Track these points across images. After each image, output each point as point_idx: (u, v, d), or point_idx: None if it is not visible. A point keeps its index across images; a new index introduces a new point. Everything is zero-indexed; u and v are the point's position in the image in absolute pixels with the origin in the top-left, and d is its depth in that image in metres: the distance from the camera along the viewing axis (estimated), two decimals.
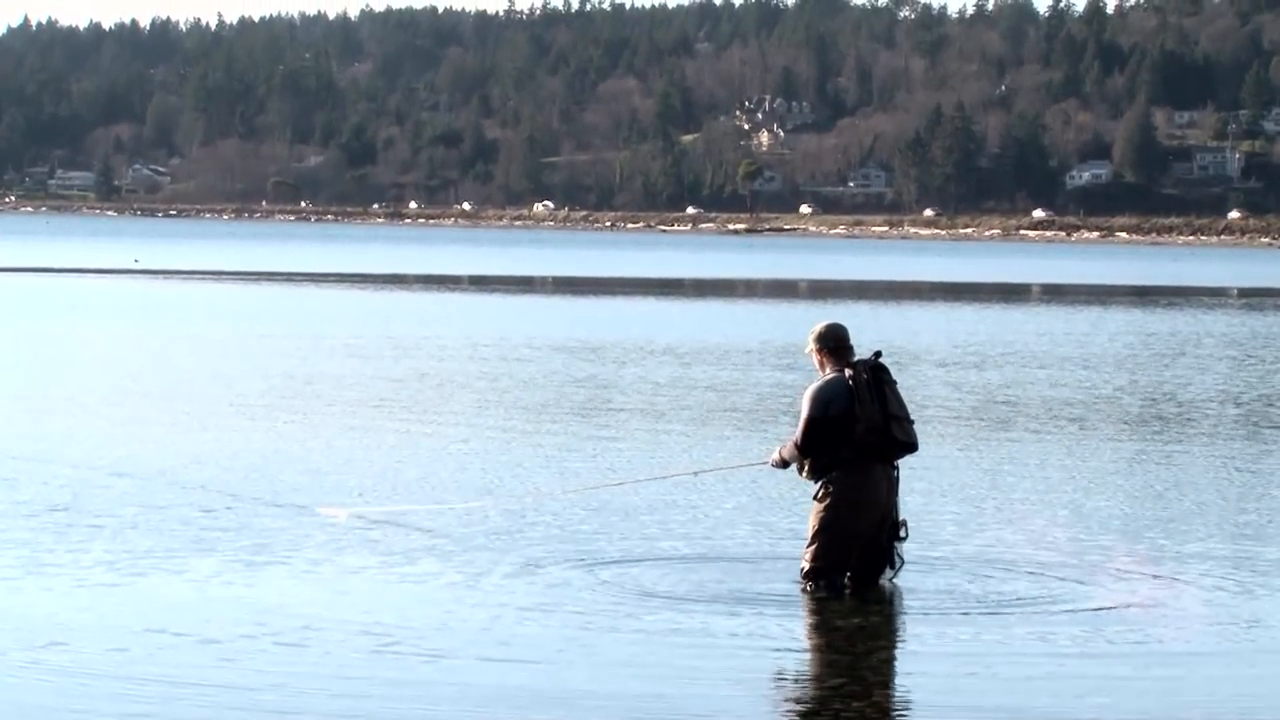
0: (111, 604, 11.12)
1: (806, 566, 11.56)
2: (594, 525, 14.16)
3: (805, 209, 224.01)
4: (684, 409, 23.58)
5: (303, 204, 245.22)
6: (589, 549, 13.12)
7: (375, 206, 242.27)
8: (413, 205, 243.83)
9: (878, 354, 11.75)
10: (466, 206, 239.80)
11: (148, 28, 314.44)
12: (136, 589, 11.58)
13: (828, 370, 11.56)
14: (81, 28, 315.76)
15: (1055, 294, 67.79)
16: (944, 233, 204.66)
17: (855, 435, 11.33)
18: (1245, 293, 72.35)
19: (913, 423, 11.60)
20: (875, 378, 11.45)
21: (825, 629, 10.82)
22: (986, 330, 42.82)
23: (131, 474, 16.63)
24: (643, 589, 11.74)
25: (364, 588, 11.68)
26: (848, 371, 11.45)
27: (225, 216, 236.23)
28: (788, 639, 10.55)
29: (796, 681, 9.72)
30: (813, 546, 11.53)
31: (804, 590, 11.50)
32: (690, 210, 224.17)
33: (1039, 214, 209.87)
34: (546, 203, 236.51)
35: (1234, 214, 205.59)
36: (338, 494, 15.62)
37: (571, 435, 20.49)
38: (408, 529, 13.84)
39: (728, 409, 23.75)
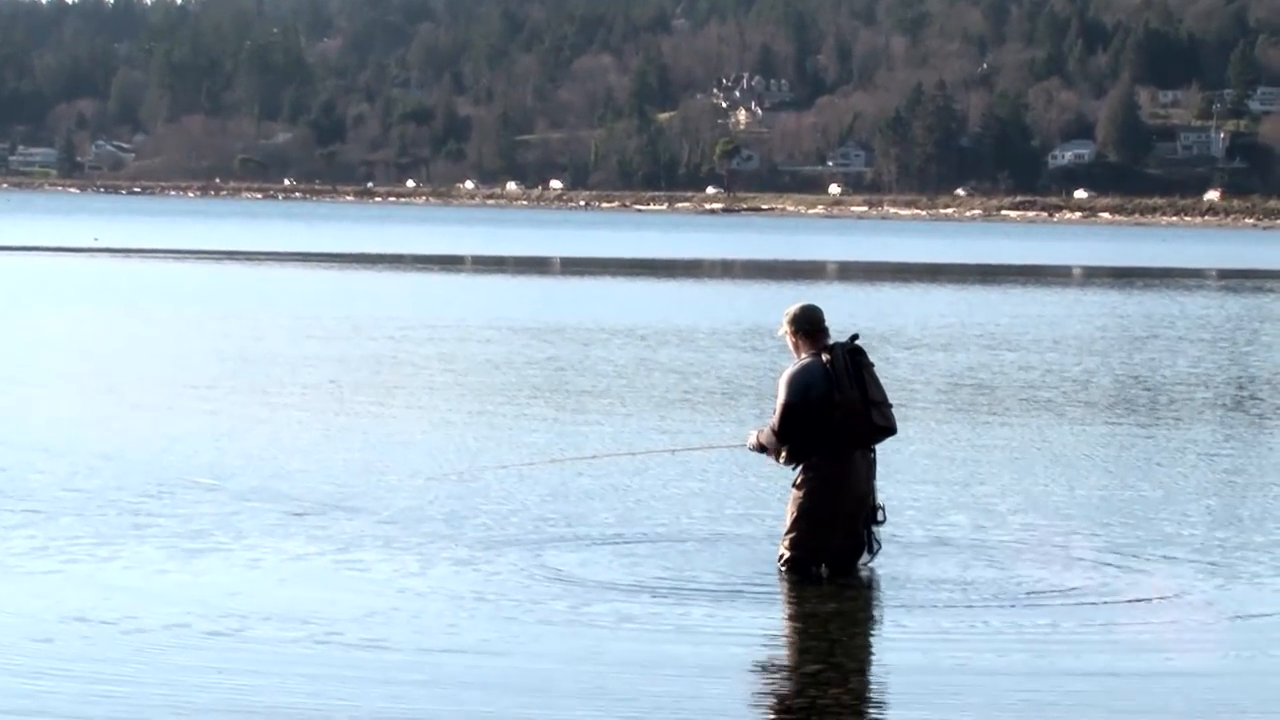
0: (39, 592, 10.97)
1: (786, 554, 11.50)
2: (546, 510, 14.04)
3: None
4: (647, 391, 23.55)
5: (286, 181, 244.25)
6: (541, 535, 13.03)
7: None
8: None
9: (854, 336, 11.62)
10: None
11: (112, 2, 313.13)
12: (67, 576, 11.42)
13: (803, 354, 11.44)
14: (44, 2, 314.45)
15: (1032, 275, 67.92)
16: (924, 213, 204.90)
17: (834, 421, 11.25)
18: (1224, 274, 72.51)
19: (891, 406, 11.52)
20: (853, 361, 11.35)
21: (800, 615, 10.78)
22: (958, 312, 42.89)
23: (69, 456, 16.47)
24: (598, 577, 11.65)
25: (305, 576, 11.57)
26: (825, 355, 11.34)
27: (190, 194, 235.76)
28: (760, 626, 10.46)
29: (770, 669, 9.65)
30: (791, 534, 11.48)
31: (780, 572, 11.46)
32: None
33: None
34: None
35: (1212, 194, 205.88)
36: (280, 479, 15.50)
37: (529, 418, 20.43)
38: (352, 514, 13.73)
39: (690, 391, 23.74)
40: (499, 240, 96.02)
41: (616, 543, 12.84)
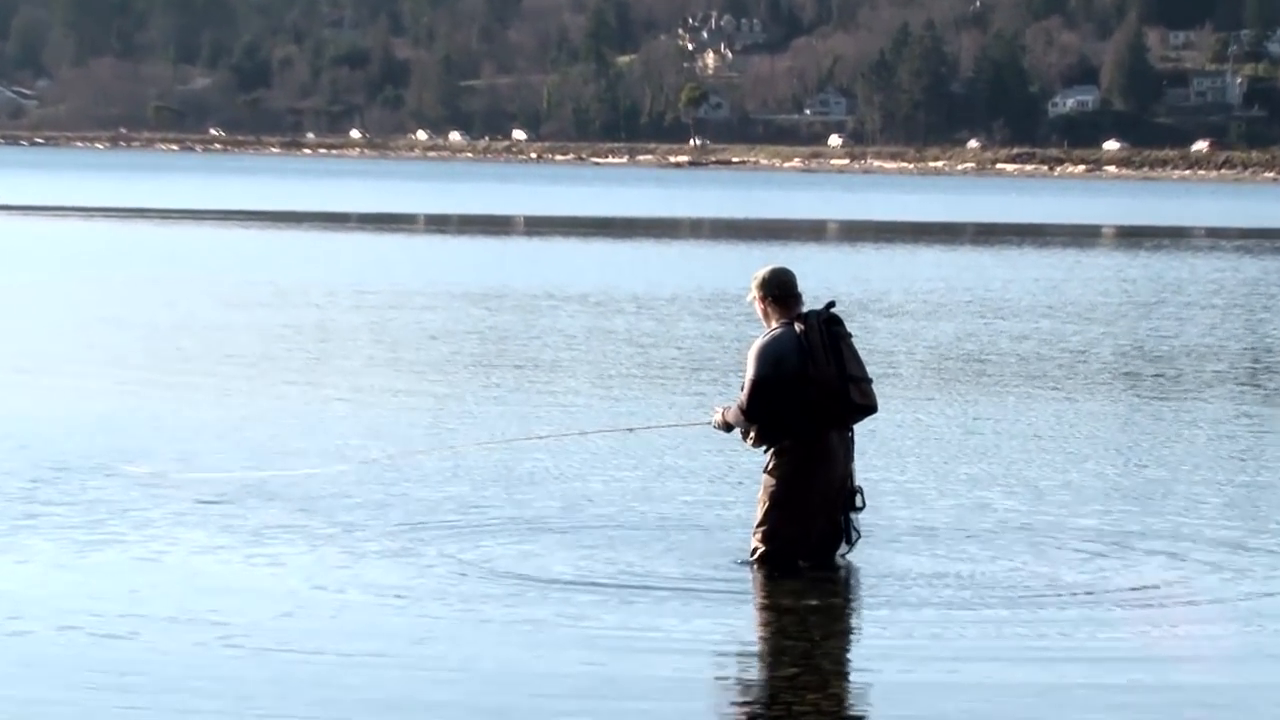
0: None
1: (760, 549, 11.49)
2: (484, 497, 13.96)
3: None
4: (599, 364, 23.63)
5: (207, 131, 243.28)
6: (479, 524, 12.96)
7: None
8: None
9: (831, 304, 11.60)
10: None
11: None
12: None
13: (773, 322, 11.45)
14: None
15: (1029, 235, 68.27)
16: (911, 166, 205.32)
17: (808, 398, 11.26)
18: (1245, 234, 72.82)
19: (872, 382, 11.52)
20: (829, 331, 11.34)
21: (772, 613, 10.80)
22: (946, 276, 43.15)
23: None
24: (542, 571, 11.57)
25: (215, 572, 11.51)
26: (798, 325, 11.34)
27: (99, 145, 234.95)
28: (727, 626, 10.44)
29: (740, 673, 9.66)
30: (764, 527, 11.46)
31: (753, 568, 11.48)
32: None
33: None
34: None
35: (1201, 144, 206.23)
36: (189, 462, 15.38)
37: (468, 394, 20.43)
38: (269, 501, 13.67)
39: (647, 364, 23.84)
40: (440, 196, 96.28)
41: (563, 532, 12.80)
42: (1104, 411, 20.12)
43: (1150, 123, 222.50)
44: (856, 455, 11.68)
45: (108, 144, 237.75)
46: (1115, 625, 10.61)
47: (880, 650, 9.99)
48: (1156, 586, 11.48)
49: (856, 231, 67.26)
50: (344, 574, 11.41)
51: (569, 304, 32.91)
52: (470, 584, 11.24)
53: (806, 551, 11.49)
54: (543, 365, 23.42)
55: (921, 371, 23.52)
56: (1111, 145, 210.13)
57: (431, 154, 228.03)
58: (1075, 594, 11.26)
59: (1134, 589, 11.39)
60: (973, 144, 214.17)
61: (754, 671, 9.70)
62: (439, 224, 68.41)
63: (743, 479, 14.25)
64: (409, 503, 13.71)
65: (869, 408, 11.45)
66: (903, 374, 22.98)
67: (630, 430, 15.34)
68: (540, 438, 16.02)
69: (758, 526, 11.53)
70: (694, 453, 16.04)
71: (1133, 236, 68.84)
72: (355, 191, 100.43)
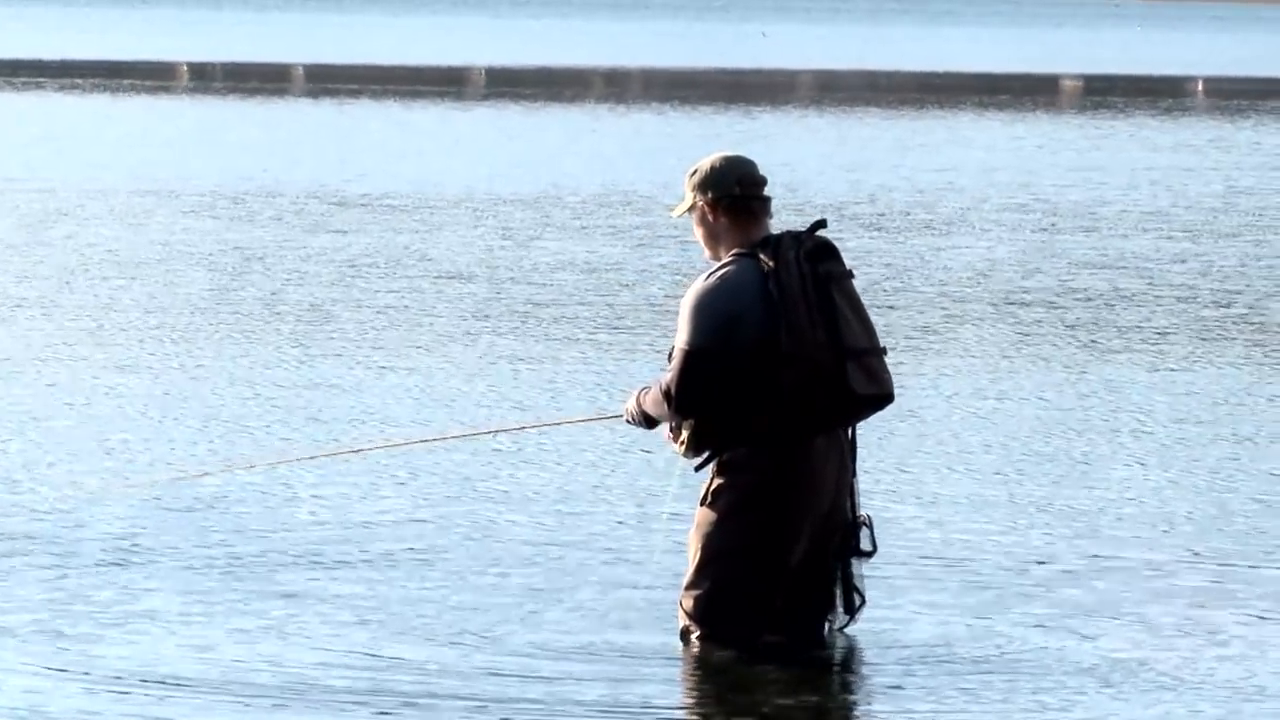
0: None
1: (693, 628, 11.50)
2: (206, 525, 13.83)
3: None
4: (409, 316, 23.30)
5: None
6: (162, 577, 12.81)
7: None
8: None
9: (819, 224, 11.35)
10: None
11: None
12: None
13: (724, 251, 11.30)
14: None
15: (1157, 93, 69.38)
16: None
17: (782, 386, 11.09)
18: None
19: (885, 354, 11.37)
20: (815, 273, 11.15)
21: (703, 696, 11.11)
22: (1004, 162, 42.69)
23: None
24: (280, 674, 11.15)
25: None
26: (765, 258, 11.14)
27: None
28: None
29: None
30: (697, 591, 11.45)
31: (690, 644, 11.54)
32: None
33: None
34: None
35: None
36: None
37: (201, 360, 20.18)
38: None
39: (502, 314, 23.46)
40: (205, 36, 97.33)
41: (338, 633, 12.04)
42: (1226, 389, 19.94)
43: None
44: (862, 463, 11.64)
45: None
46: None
47: None
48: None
49: (878, 90, 68.71)
50: None
51: (373, 211, 32.78)
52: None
53: (772, 622, 11.36)
54: (319, 316, 23.15)
55: (961, 320, 23.52)
56: None
57: None
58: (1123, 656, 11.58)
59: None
60: None
61: None
62: (160, 76, 68.98)
63: (677, 507, 13.07)
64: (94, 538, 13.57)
65: (880, 397, 11.30)
66: (931, 330, 22.94)
67: (494, 434, 15.23)
68: (353, 451, 15.38)
69: (687, 588, 11.43)
70: (583, 466, 15.90)
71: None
72: (77, 31, 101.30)
